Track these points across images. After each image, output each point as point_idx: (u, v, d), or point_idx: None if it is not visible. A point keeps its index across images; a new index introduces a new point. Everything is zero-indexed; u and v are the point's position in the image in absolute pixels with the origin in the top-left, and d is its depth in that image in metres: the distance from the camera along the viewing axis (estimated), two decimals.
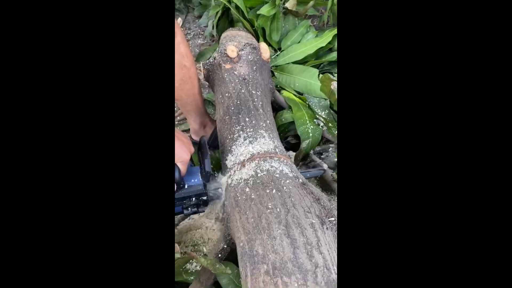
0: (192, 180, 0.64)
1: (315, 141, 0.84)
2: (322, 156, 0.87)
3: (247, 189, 0.53)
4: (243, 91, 0.77)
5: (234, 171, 0.59)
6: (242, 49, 0.85)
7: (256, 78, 0.82)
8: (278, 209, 0.46)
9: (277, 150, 0.63)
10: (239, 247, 0.47)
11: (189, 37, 1.34)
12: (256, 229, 0.44)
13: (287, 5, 1.13)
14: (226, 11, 1.25)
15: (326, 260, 0.39)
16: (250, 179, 0.54)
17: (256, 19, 1.18)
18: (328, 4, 1.20)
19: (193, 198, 0.64)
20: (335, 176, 0.75)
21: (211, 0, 1.30)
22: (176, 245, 0.65)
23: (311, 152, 0.89)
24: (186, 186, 0.63)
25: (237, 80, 0.80)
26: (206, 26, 1.33)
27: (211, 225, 0.81)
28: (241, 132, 0.67)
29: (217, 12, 1.25)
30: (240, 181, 0.56)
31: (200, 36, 1.34)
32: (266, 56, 0.89)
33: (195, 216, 0.84)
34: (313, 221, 0.45)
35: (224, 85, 0.81)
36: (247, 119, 0.70)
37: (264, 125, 0.69)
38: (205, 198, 0.65)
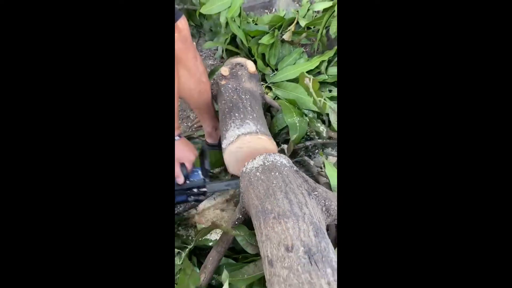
0: (195, 176, 0.88)
1: (302, 132, 1.09)
2: (311, 155, 1.11)
3: (258, 173, 0.76)
4: (234, 97, 1.03)
5: (248, 162, 0.83)
6: (233, 68, 1.12)
7: (245, 86, 1.08)
8: (280, 184, 0.69)
9: (258, 131, 0.87)
10: (253, 209, 0.70)
11: (201, 58, 1.60)
12: (265, 195, 0.68)
13: (284, 36, 1.40)
14: (234, 37, 1.51)
15: (311, 212, 0.62)
16: (259, 167, 0.78)
17: (257, 46, 1.44)
18: (318, 36, 1.47)
19: (195, 190, 0.88)
20: (319, 170, 1.00)
21: (220, 28, 1.56)
22: (200, 218, 0.87)
23: (303, 153, 1.13)
24: (190, 180, 0.87)
25: (230, 91, 1.06)
26: (216, 50, 1.59)
27: (224, 206, 1.04)
28: (232, 123, 0.92)
29: (226, 39, 1.51)
30: (252, 169, 0.79)
31: (211, 57, 1.60)
32: (252, 69, 1.15)
33: (212, 201, 1.06)
34: (303, 192, 0.69)
35: (222, 95, 1.07)
36: (236, 114, 0.95)
37: (250, 117, 0.94)
38: (204, 189, 0.88)
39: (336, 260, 0.54)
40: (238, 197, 1.06)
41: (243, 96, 1.03)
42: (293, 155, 1.10)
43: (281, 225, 0.59)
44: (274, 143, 0.89)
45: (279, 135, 1.19)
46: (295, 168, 0.80)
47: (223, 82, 1.10)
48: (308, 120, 1.13)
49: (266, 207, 0.64)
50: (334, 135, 1.05)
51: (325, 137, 1.05)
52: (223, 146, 0.89)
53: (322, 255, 0.53)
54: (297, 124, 1.10)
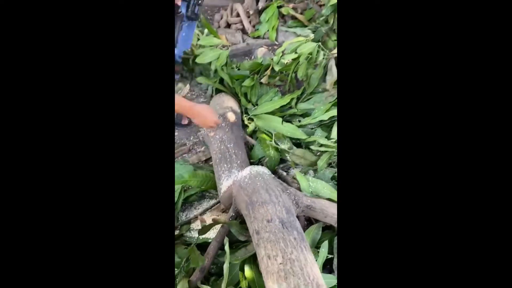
0: None
1: (276, 160, 1.38)
2: (287, 171, 1.41)
3: (246, 179, 1.05)
4: (222, 147, 1.31)
5: (237, 174, 1.11)
6: None
7: (229, 135, 1.37)
8: (262, 184, 0.98)
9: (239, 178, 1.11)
10: (243, 203, 0.97)
11: (193, 96, 1.93)
12: (252, 192, 0.96)
13: (262, 80, 1.78)
14: (221, 79, 1.86)
15: (284, 200, 0.91)
16: (247, 175, 1.07)
17: (241, 87, 1.80)
18: (288, 78, 1.85)
19: None
20: (293, 177, 1.30)
21: (210, 72, 1.92)
22: (203, 218, 1.13)
23: (280, 170, 1.43)
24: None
25: (218, 142, 1.35)
26: (207, 89, 1.93)
27: (219, 213, 1.30)
28: (222, 174, 1.19)
29: (215, 81, 1.86)
30: (242, 177, 1.08)
31: (202, 96, 1.93)
32: (232, 119, 1.45)
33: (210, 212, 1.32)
34: (278, 189, 0.98)
35: (212, 146, 1.37)
36: (225, 165, 1.22)
37: (235, 165, 1.21)
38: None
39: (300, 227, 0.82)
40: (229, 207, 1.32)
41: (228, 146, 1.30)
42: (272, 172, 1.39)
43: (263, 208, 0.87)
44: None
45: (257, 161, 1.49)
46: (273, 176, 1.10)
47: (211, 134, 1.39)
48: (280, 151, 1.44)
49: (253, 200, 0.93)
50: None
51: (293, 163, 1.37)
52: (220, 194, 1.16)
53: (291, 224, 0.81)
54: (272, 155, 1.40)
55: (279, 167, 1.39)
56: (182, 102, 1.17)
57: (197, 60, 1.69)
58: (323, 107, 1.66)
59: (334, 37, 2.18)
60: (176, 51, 1.02)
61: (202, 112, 1.20)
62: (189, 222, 1.25)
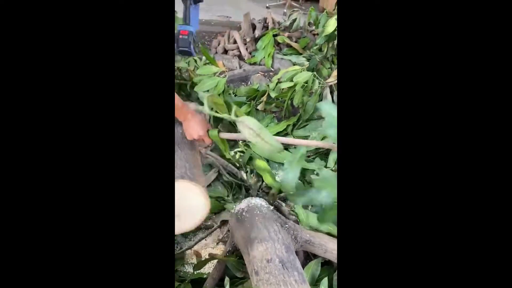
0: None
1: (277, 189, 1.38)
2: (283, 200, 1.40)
3: (244, 213, 1.03)
4: None
5: (235, 205, 1.09)
6: None
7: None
8: (261, 219, 0.96)
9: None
10: (242, 239, 0.95)
11: None
12: (251, 228, 0.94)
13: (259, 107, 1.79)
14: None
15: (283, 237, 0.89)
16: (245, 207, 1.05)
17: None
18: (284, 105, 1.88)
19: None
20: (291, 209, 1.28)
21: None
22: (200, 253, 1.10)
23: (277, 201, 1.41)
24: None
25: None
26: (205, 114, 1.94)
27: (214, 245, 1.26)
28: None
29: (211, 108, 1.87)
30: (239, 210, 1.06)
31: None
32: None
33: (203, 242, 1.28)
34: (277, 224, 0.96)
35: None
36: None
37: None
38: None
39: (300, 266, 0.79)
40: (225, 238, 1.28)
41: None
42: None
43: (262, 246, 0.85)
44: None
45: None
46: (271, 208, 1.08)
47: None
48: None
49: (252, 236, 0.90)
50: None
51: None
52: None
53: (291, 263, 0.79)
54: (274, 186, 1.40)
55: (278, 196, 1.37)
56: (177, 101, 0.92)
57: (196, 89, 1.70)
58: (318, 134, 1.68)
59: (328, 65, 2.25)
60: (191, 28, 1.09)
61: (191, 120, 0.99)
62: (183, 256, 1.21)
